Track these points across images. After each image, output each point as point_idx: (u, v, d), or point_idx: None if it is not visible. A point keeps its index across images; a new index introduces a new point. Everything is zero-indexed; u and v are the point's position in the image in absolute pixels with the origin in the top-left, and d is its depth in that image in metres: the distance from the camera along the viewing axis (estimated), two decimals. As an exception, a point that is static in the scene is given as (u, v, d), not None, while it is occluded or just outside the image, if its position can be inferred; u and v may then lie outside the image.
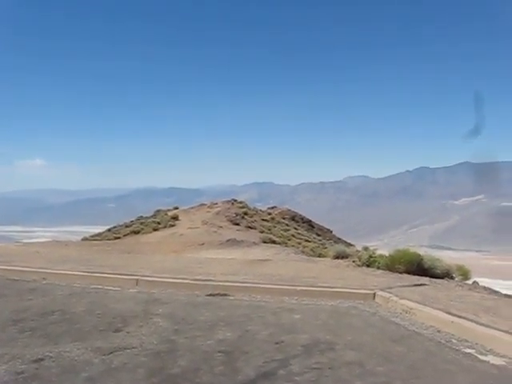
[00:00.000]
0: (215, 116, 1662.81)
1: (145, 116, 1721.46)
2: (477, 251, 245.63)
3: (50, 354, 5.92)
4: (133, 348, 6.25)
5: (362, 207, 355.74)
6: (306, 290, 9.80)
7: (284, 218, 48.78)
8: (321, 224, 56.29)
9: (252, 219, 40.55)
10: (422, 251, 13.35)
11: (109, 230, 40.03)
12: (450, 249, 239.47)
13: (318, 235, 48.12)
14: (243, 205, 44.83)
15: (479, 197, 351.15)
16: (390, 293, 9.28)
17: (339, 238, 51.44)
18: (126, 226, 37.93)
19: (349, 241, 48.86)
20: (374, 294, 9.46)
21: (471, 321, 7.26)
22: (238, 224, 36.79)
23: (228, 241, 21.35)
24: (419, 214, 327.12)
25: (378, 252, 14.21)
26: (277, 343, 6.53)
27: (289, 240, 35.44)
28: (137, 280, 11.00)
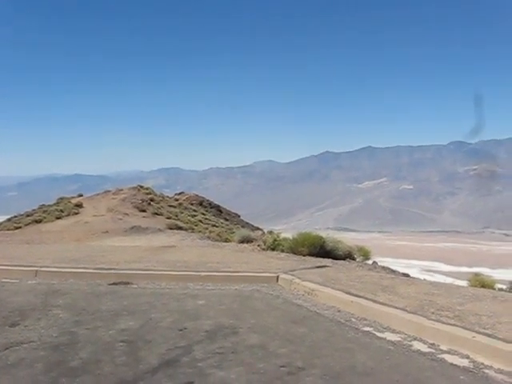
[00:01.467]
0: (123, 101, 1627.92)
1: (47, 102, 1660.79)
2: (379, 232, 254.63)
3: None
4: (31, 342, 6.02)
5: (269, 191, 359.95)
6: (210, 276, 9.79)
7: (192, 204, 48.61)
8: (229, 209, 56.55)
9: (159, 205, 40.12)
10: (326, 233, 13.66)
11: (9, 219, 38.40)
12: (354, 230, 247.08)
13: (226, 220, 48.36)
14: (149, 191, 44.23)
15: (381, 180, 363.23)
16: (293, 275, 9.45)
17: (247, 223, 51.91)
18: (28, 215, 36.48)
19: (256, 225, 49.46)
20: (278, 276, 9.59)
21: (370, 300, 7.52)
22: (144, 211, 36.29)
23: (132, 228, 21.02)
24: (325, 198, 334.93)
25: (283, 235, 14.39)
26: (180, 330, 6.50)
27: (196, 226, 35.36)
28: (36, 271, 10.57)
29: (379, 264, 12.93)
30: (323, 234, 13.43)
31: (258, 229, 36.93)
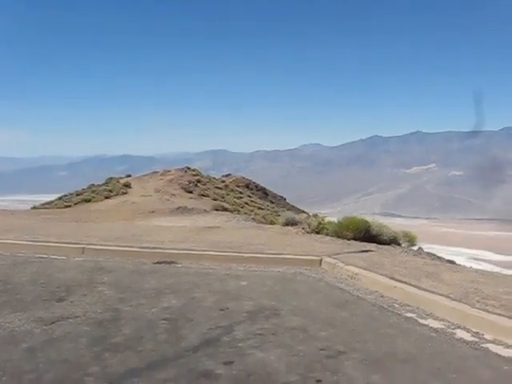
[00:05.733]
0: (170, 83, 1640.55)
1: (96, 83, 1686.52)
2: (426, 218, 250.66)
3: (-11, 325, 5.80)
4: (76, 317, 6.18)
5: (315, 175, 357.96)
6: (253, 257, 9.83)
7: (238, 186, 48.71)
8: (275, 192, 56.45)
9: (205, 187, 40.34)
10: (372, 218, 13.50)
11: (59, 198, 39.13)
12: (401, 216, 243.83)
13: (272, 203, 48.29)
14: (196, 172, 44.50)
15: (430, 166, 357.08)
16: (336, 259, 9.39)
17: (293, 206, 51.69)
18: (77, 195, 37.12)
19: (302, 208, 49.18)
20: (321, 260, 9.55)
21: (413, 286, 7.42)
22: (191, 192, 36.55)
23: (178, 208, 21.16)
24: (372, 182, 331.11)
25: (328, 219, 14.29)
26: (222, 310, 6.57)
27: (242, 208, 35.46)
28: (83, 248, 10.83)
29: (425, 250, 12.70)
30: (369, 218, 13.27)
31: (303, 212, 36.63)
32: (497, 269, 14.45)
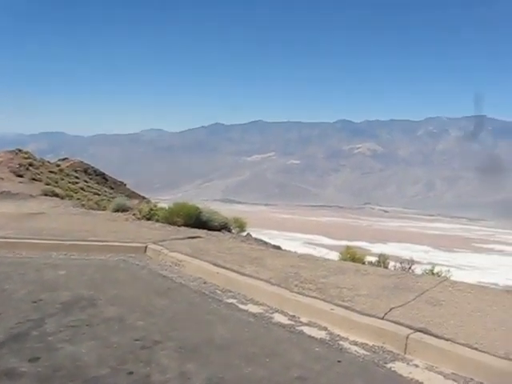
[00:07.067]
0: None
1: None
2: (265, 205, 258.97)
3: None
4: None
5: (157, 161, 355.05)
6: (76, 245, 9.33)
7: (76, 171, 46.84)
8: (115, 177, 55.12)
9: (38, 171, 38.25)
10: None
11: None
12: (241, 203, 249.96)
13: (112, 188, 47.11)
14: (28, 155, 42.02)
15: (270, 154, 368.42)
16: (162, 246, 9.21)
17: (133, 192, 50.80)
18: None
19: (143, 194, 48.53)
20: (146, 247, 9.30)
21: (236, 271, 7.46)
22: (21, 176, 34.50)
23: (2, 193, 19.83)
24: (213, 169, 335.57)
25: (160, 205, 14.07)
26: (34, 302, 6.15)
27: (75, 193, 34.07)
28: None
29: (254, 236, 12.96)
30: (200, 204, 13.25)
31: (143, 198, 36.22)
32: (334, 253, 15.05)
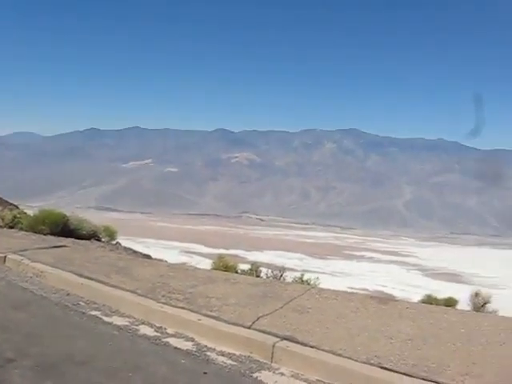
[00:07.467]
0: None
1: None
2: (142, 213, 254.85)
3: None
4: None
5: (28, 166, 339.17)
6: None
7: None
8: (-21, 183, 52.03)
9: None
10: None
11: None
12: (116, 210, 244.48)
13: (-24, 195, 44.38)
14: None
15: (147, 161, 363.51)
16: (23, 256, 8.68)
17: (1, 198, 48.17)
18: None
19: (11, 201, 46.11)
20: (5, 257, 8.72)
21: (101, 282, 7.20)
22: None
23: None
24: (88, 176, 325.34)
25: (29, 212, 13.36)
26: None
27: None
28: None
29: (131, 245, 12.69)
30: (69, 212, 12.72)
31: (10, 205, 34.41)
32: (208, 261, 15.00)
